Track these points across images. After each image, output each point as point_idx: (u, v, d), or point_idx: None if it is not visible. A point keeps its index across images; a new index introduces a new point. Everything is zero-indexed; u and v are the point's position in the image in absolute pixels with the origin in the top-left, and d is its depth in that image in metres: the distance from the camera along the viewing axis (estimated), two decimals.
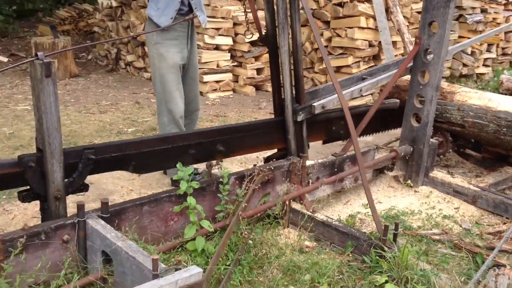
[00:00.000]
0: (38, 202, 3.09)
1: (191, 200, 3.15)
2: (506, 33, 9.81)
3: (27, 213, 3.91)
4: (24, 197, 3.03)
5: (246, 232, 3.29)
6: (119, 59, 9.94)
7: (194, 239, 3.14)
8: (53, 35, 8.98)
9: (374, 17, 7.61)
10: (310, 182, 3.93)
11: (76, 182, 3.17)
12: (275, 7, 3.97)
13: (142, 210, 3.15)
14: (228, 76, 8.30)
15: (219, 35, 8.02)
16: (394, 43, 7.83)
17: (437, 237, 3.72)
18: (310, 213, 3.62)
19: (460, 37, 9.08)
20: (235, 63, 8.41)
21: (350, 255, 3.34)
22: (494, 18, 9.53)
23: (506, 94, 6.78)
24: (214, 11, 7.92)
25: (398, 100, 4.98)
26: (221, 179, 3.45)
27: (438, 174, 4.51)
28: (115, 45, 10.05)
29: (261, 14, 4.98)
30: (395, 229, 3.23)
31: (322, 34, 7.95)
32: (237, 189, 3.55)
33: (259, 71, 8.47)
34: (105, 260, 2.77)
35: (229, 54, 8.25)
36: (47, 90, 2.82)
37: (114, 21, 10.14)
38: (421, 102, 4.35)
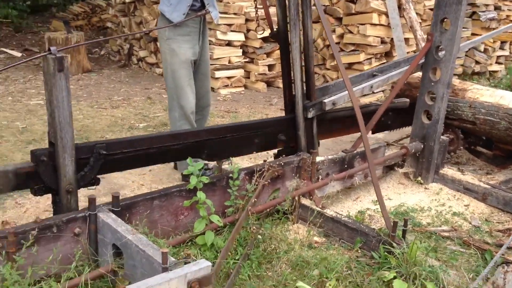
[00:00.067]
0: (50, 195, 3.13)
1: (201, 195, 3.18)
2: None
3: (39, 207, 3.96)
4: (36, 191, 3.06)
5: (255, 227, 3.32)
6: (131, 54, 9.98)
7: (203, 233, 3.16)
8: (67, 30, 9.02)
9: (386, 14, 7.58)
10: (320, 178, 3.94)
11: (88, 176, 3.20)
12: (286, 3, 3.97)
13: (152, 204, 3.18)
14: (240, 72, 8.31)
15: (231, 31, 8.03)
16: (406, 40, 7.80)
17: (446, 234, 3.71)
18: (319, 209, 3.62)
19: (473, 34, 9.00)
20: (247, 59, 8.41)
21: (359, 251, 3.35)
22: (507, 16, 9.45)
23: None
24: (226, 7, 7.94)
25: (408, 100, 4.96)
26: (231, 174, 3.46)
27: (449, 171, 4.49)
28: (128, 40, 10.10)
29: (272, 10, 5.00)
30: (404, 225, 3.23)
31: (334, 31, 7.94)
32: (247, 184, 3.57)
33: (270, 67, 8.47)
34: (116, 253, 2.79)
35: (241, 50, 8.26)
36: (60, 85, 2.85)
37: (127, 17, 10.19)
38: (432, 99, 4.34)
